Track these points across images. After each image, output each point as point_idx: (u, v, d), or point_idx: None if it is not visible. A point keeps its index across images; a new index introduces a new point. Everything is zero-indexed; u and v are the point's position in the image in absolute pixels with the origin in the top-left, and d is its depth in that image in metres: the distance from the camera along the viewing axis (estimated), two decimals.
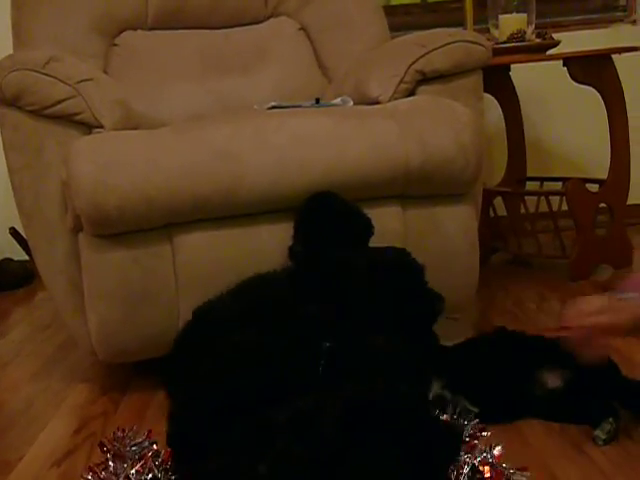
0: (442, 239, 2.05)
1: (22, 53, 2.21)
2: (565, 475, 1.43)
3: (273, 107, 2.15)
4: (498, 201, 3.05)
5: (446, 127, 1.99)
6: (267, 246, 1.92)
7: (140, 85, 2.50)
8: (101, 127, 1.96)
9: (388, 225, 1.98)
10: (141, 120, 2.17)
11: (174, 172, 1.84)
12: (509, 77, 3.06)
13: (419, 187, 2.00)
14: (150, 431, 1.53)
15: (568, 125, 3.41)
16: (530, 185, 3.18)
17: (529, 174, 3.20)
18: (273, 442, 1.23)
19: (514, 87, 3.08)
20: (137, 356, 2.00)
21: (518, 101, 3.10)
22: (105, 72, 2.52)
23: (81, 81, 1.97)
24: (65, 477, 1.57)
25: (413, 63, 2.14)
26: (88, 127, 1.96)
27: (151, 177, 1.83)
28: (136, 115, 2.12)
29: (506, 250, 3.05)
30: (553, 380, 1.66)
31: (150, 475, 1.36)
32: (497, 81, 3.00)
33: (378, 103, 2.16)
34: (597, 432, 1.54)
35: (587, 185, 2.82)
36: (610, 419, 1.54)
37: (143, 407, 1.91)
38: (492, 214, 3.06)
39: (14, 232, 2.32)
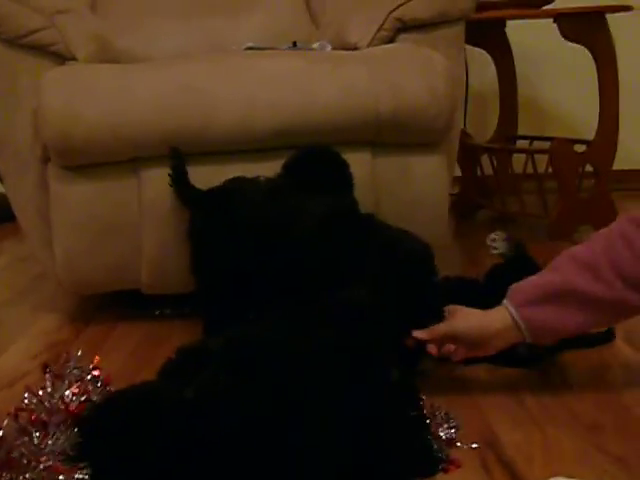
0: (411, 188, 2.05)
1: None
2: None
3: (249, 48, 2.14)
4: (486, 159, 3.05)
5: (419, 75, 1.98)
6: None
7: (126, 21, 2.48)
8: (75, 59, 1.97)
9: (356, 171, 1.97)
10: (121, 55, 2.18)
11: (143, 105, 1.85)
12: (504, 33, 3.03)
13: (391, 134, 1.99)
14: (96, 357, 1.56)
15: (564, 84, 3.38)
16: (520, 144, 3.15)
17: (521, 132, 3.17)
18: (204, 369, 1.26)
19: (509, 44, 3.05)
20: (101, 288, 2.03)
21: (512, 58, 3.07)
22: (93, 6, 2.51)
23: (57, 12, 1.98)
24: (14, 398, 1.59)
25: (393, 10, 2.13)
26: (62, 59, 1.98)
27: (119, 109, 1.84)
28: (114, 49, 2.14)
29: (491, 208, 3.05)
30: None
31: (84, 397, 1.37)
32: (491, 37, 2.98)
33: (356, 49, 2.15)
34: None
35: (576, 146, 2.81)
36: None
37: (103, 338, 1.95)
38: (479, 172, 3.05)
39: None
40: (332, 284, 1.60)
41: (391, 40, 2.16)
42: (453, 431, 1.38)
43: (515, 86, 3.11)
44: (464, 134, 3.03)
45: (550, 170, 2.79)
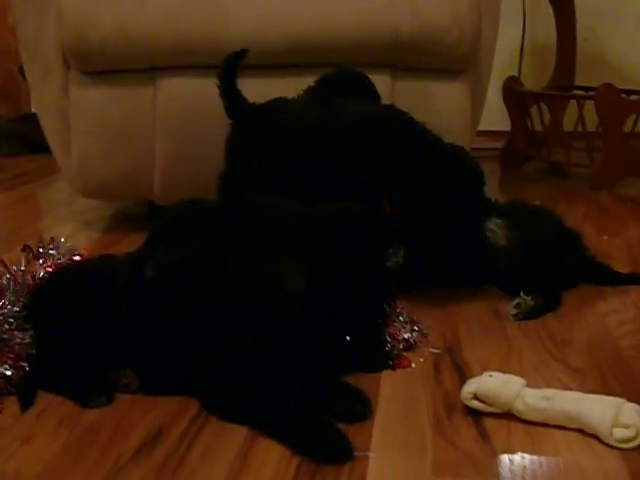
0: (432, 114, 1.96)
1: None
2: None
3: None
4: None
5: None
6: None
7: None
8: None
9: None
10: None
11: (159, 14, 1.88)
12: None
13: (410, 56, 1.96)
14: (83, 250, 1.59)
15: (631, 37, 3.22)
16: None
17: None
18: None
19: None
20: (115, 194, 2.08)
21: (573, 5, 2.95)
22: None
23: None
24: None
25: None
26: None
27: (135, 16, 1.87)
28: None
29: (538, 158, 2.96)
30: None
31: None
32: None
33: None
34: (508, 307, 1.51)
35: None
36: (522, 294, 1.51)
37: (113, 243, 1.98)
38: (529, 124, 2.95)
39: (22, 70, 2.37)
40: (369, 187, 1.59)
41: None
42: (415, 335, 1.36)
43: (574, 35, 2.99)
44: (515, 81, 2.96)
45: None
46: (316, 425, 1.05)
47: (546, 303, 1.51)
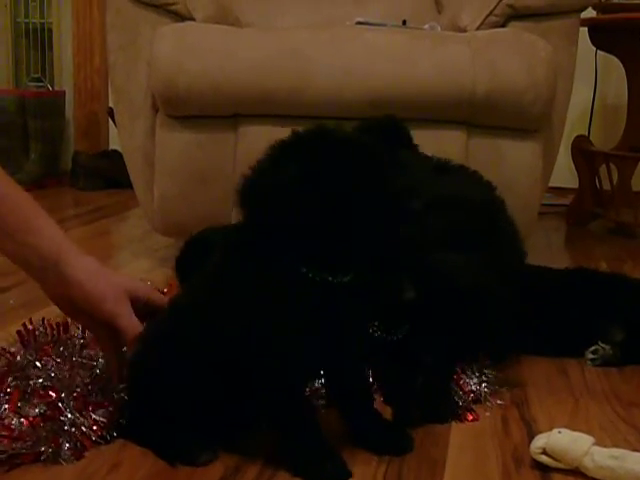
0: (503, 172, 2.04)
1: None
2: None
3: (359, 23, 2.21)
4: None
5: (520, 59, 1.99)
6: None
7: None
8: (193, 20, 2.10)
9: (449, 149, 1.99)
10: (239, 24, 2.29)
11: (245, 64, 1.96)
12: (639, 40, 2.94)
13: (485, 115, 2.01)
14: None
15: None
16: None
17: None
18: None
19: None
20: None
21: None
22: None
23: None
24: None
25: None
26: (181, 18, 2.11)
27: (222, 65, 1.96)
28: (232, 17, 2.25)
29: (606, 217, 2.97)
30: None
31: None
32: (624, 43, 2.90)
33: (465, 32, 2.17)
34: (586, 353, 1.57)
35: None
36: (600, 343, 1.56)
37: None
38: (597, 183, 2.98)
39: (111, 112, 2.48)
40: None
41: (501, 26, 2.16)
42: (484, 386, 1.39)
43: None
44: (585, 140, 2.99)
45: None
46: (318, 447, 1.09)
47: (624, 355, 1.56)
